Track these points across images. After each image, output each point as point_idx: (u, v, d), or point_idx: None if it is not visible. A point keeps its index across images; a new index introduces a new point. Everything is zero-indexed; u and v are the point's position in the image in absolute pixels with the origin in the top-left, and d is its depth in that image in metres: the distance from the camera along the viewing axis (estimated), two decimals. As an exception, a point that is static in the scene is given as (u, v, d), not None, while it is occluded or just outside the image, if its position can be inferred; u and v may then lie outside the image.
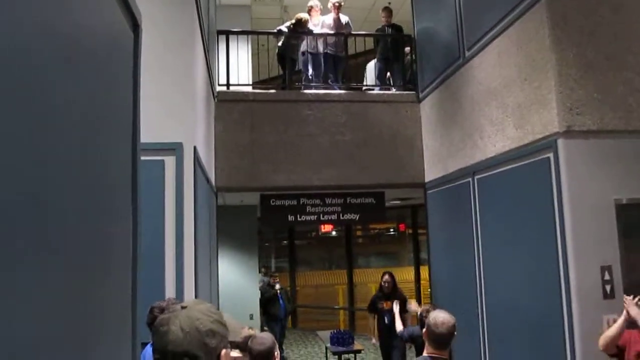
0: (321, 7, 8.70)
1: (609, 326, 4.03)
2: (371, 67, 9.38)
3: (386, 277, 8.09)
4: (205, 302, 1.63)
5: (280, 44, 8.42)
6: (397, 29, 8.85)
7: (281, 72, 8.79)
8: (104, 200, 1.40)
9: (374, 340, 8.20)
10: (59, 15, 1.05)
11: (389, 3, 10.79)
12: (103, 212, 1.39)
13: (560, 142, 4.47)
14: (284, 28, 8.37)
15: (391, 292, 7.91)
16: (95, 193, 1.31)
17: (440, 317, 3.21)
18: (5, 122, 0.77)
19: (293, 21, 8.31)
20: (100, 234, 1.37)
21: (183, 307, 1.47)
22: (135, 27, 1.75)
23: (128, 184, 1.69)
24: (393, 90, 8.48)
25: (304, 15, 8.33)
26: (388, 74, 8.82)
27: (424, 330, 3.27)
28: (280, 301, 10.49)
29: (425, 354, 3.23)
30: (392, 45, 8.73)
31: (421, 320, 4.61)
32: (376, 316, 7.97)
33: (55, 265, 1.02)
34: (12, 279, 0.81)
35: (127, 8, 1.63)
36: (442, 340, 3.17)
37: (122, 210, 1.62)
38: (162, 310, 2.95)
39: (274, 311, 10.34)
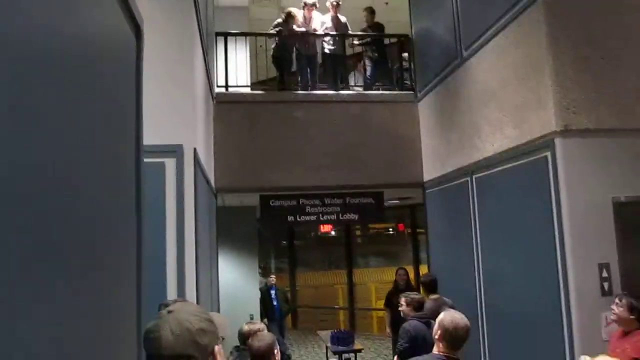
0: (317, 4, 8.70)
1: (607, 323, 4.09)
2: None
3: (401, 272, 8.71)
4: (191, 303, 1.65)
5: (274, 46, 8.46)
6: (379, 28, 8.88)
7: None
8: (109, 203, 1.42)
9: (388, 331, 8.55)
10: (62, 21, 1.07)
11: (386, 3, 10.82)
12: (109, 214, 1.42)
13: (558, 141, 4.50)
14: (274, 30, 8.42)
15: (406, 287, 8.11)
16: (101, 195, 1.34)
17: (457, 318, 3.25)
18: (6, 126, 0.79)
19: (283, 17, 8.38)
20: (107, 236, 1.40)
21: (169, 312, 1.48)
22: (138, 31, 1.78)
23: (132, 186, 1.72)
24: (386, 91, 8.51)
25: (292, 9, 8.41)
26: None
27: (436, 330, 3.28)
28: (275, 302, 10.53)
29: (437, 352, 3.25)
30: (377, 45, 8.77)
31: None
32: (390, 311, 8.09)
33: (64, 267, 1.05)
34: (21, 280, 0.84)
35: (129, 13, 1.65)
36: (459, 342, 3.22)
37: (127, 212, 1.65)
38: None
39: (267, 310, 10.40)
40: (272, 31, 8.46)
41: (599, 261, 4.33)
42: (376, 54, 8.74)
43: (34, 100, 0.90)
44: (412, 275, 12.72)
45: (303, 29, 8.43)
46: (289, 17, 8.33)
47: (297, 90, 8.25)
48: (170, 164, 4.08)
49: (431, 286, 6.01)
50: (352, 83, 9.31)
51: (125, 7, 1.62)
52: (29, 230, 0.86)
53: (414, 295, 5.39)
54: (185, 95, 4.37)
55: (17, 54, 0.83)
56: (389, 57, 9.07)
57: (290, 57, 8.44)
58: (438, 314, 3.44)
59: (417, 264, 12.68)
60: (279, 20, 8.49)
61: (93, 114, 1.28)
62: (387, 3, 10.87)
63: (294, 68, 8.56)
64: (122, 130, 1.60)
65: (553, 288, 4.45)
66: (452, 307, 4.94)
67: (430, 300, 5.58)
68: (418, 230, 12.66)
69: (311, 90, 8.17)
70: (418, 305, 5.11)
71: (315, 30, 8.50)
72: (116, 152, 1.53)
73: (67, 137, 1.07)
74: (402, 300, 5.19)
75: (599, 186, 4.44)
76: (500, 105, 5.43)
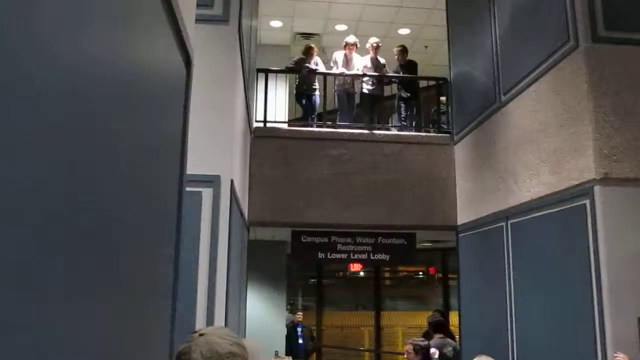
0: (358, 43, 8.85)
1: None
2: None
3: (436, 313, 8.16)
4: (223, 327, 1.68)
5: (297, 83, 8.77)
6: (412, 66, 8.92)
7: (320, 110, 8.94)
8: (155, 228, 1.45)
9: None
10: (123, 53, 1.12)
11: (426, 47, 10.93)
12: (154, 240, 1.45)
13: (597, 189, 4.42)
14: (291, 64, 8.75)
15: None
16: (145, 223, 1.37)
17: None
18: (64, 150, 0.82)
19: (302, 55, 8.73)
20: (151, 260, 1.42)
21: (201, 335, 1.52)
22: (188, 63, 1.84)
23: (174, 214, 1.75)
24: (422, 132, 8.54)
25: (312, 44, 8.89)
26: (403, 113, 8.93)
27: None
28: (300, 339, 10.42)
29: None
30: (409, 85, 8.83)
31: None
32: None
33: (108, 292, 1.07)
34: (69, 303, 0.86)
35: (182, 45, 1.71)
36: None
37: (168, 239, 1.68)
38: None
39: (292, 347, 10.30)
40: (290, 66, 8.78)
41: (638, 314, 4.18)
42: (408, 94, 8.79)
43: (93, 124, 0.93)
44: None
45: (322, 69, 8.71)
46: (308, 51, 8.62)
47: (334, 127, 8.34)
48: (207, 194, 4.13)
49: (437, 327, 6.48)
50: (390, 124, 9.38)
51: (178, 36, 1.68)
52: (80, 255, 0.88)
53: (419, 341, 5.53)
54: (225, 128, 4.45)
55: (79, 80, 0.87)
56: (425, 99, 9.12)
57: (310, 93, 8.61)
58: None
59: (447, 309, 12.43)
60: (295, 58, 8.85)
61: (144, 141, 1.32)
62: (426, 47, 10.98)
63: (314, 101, 8.72)
64: (168, 156, 1.64)
65: (589, 340, 4.31)
66: (455, 349, 5.99)
67: (436, 338, 6.27)
68: (449, 275, 12.46)
69: (348, 128, 8.24)
70: (425, 352, 5.25)
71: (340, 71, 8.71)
72: (163, 178, 1.56)
73: (121, 162, 1.10)
74: (409, 348, 5.37)
75: (639, 236, 4.33)
76: (538, 150, 5.38)
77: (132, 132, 1.18)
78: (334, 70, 8.68)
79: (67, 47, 0.80)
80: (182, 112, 1.80)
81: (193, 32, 1.89)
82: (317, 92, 8.68)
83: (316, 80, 8.67)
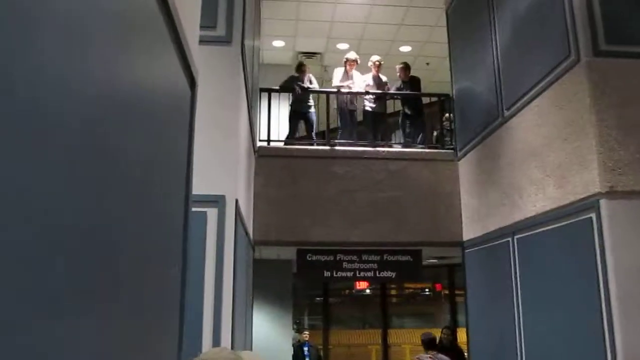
0: (358, 59, 8.84)
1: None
2: None
3: (446, 331, 9.25)
4: (225, 349, 1.68)
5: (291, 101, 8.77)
6: (415, 82, 8.95)
7: (323, 128, 8.94)
8: (162, 249, 1.45)
9: None
10: (128, 75, 1.13)
11: (427, 64, 10.98)
12: (161, 260, 1.45)
13: (603, 203, 4.40)
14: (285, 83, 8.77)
15: (450, 346, 8.63)
16: (155, 240, 1.37)
17: None
18: (78, 175, 0.83)
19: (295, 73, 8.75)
20: (158, 281, 1.42)
21: None
22: (193, 84, 1.85)
23: (180, 233, 1.75)
24: (427, 149, 8.54)
25: (304, 61, 9.04)
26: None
27: None
28: (307, 359, 10.37)
29: None
30: (411, 101, 8.85)
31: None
32: None
33: (115, 312, 1.07)
34: (77, 322, 0.86)
35: (186, 66, 1.73)
36: None
37: (175, 259, 1.68)
38: None
39: None
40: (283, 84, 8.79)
41: (648, 328, 4.15)
42: (411, 111, 8.80)
43: (100, 146, 0.94)
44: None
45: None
46: (300, 68, 8.65)
47: (337, 145, 8.33)
48: (212, 214, 4.14)
49: (430, 344, 6.76)
50: (394, 141, 9.38)
51: (183, 58, 1.70)
52: (90, 272, 0.88)
53: (426, 357, 6.04)
54: (229, 148, 4.47)
55: (85, 101, 0.88)
56: (428, 116, 9.13)
57: (304, 110, 8.60)
58: None
59: (455, 325, 12.33)
60: (291, 76, 8.84)
61: (150, 161, 1.33)
62: (428, 64, 11.04)
63: (310, 122, 8.72)
64: (174, 177, 1.65)
65: (600, 355, 4.26)
66: None
67: (428, 357, 6.56)
68: (456, 291, 12.37)
69: (351, 146, 8.24)
70: None
71: (349, 87, 8.67)
72: (169, 199, 1.57)
73: (129, 183, 1.11)
74: None
75: (647, 250, 4.30)
76: (542, 165, 5.38)
77: (139, 153, 1.19)
78: (334, 84, 8.68)
79: (73, 70, 0.81)
80: (187, 133, 1.81)
81: (197, 54, 1.91)
82: (312, 109, 8.67)
83: (310, 98, 8.68)
